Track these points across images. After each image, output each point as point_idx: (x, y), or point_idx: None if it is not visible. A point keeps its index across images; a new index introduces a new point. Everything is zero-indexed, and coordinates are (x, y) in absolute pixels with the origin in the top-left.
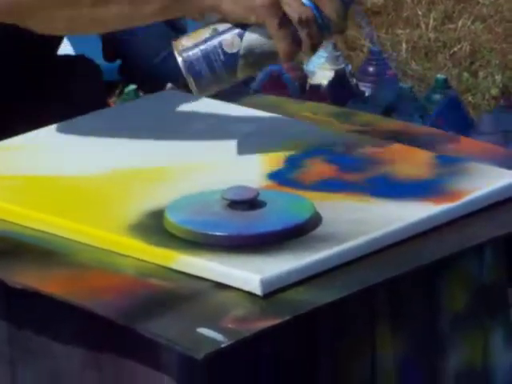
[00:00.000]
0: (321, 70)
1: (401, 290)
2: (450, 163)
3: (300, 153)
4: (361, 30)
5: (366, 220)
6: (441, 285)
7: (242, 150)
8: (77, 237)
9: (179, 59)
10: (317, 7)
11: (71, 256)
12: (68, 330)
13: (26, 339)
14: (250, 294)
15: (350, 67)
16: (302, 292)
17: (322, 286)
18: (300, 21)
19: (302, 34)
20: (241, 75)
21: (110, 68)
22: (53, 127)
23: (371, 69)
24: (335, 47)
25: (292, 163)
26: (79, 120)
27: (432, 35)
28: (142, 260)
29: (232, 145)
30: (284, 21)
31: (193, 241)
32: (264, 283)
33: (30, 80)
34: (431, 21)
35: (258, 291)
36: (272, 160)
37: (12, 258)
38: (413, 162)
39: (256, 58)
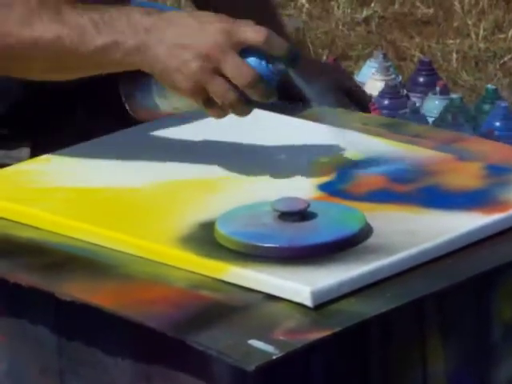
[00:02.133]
0: (371, 80)
1: (451, 301)
2: (500, 173)
3: (350, 163)
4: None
5: (417, 231)
6: (491, 295)
7: (292, 160)
8: (127, 249)
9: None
10: (265, 60)
11: (121, 268)
12: (117, 342)
13: (75, 350)
14: (300, 305)
15: (400, 78)
16: (353, 303)
17: (373, 296)
18: (223, 104)
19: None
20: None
21: None
22: (101, 139)
23: (421, 79)
24: (385, 58)
25: (342, 174)
26: (127, 132)
27: (482, 45)
28: (193, 272)
29: (282, 156)
30: (211, 100)
31: (243, 252)
32: (315, 295)
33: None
34: (481, 31)
35: (309, 303)
36: (322, 171)
37: (62, 270)
38: (463, 173)
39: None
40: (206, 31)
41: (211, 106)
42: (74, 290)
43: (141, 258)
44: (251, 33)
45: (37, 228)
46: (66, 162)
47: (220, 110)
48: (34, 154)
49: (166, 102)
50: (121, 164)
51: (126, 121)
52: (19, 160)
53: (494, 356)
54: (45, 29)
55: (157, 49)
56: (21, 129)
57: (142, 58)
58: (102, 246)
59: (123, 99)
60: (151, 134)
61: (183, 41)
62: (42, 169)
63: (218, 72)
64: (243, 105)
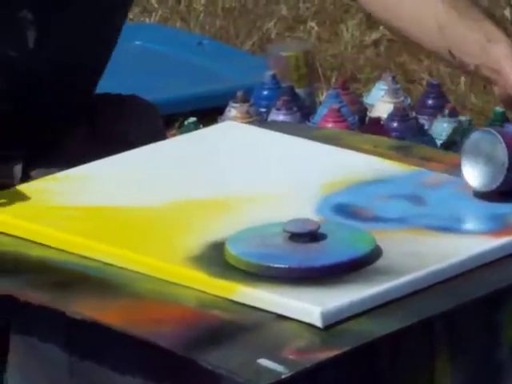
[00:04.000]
0: (380, 102)
1: (459, 322)
2: (509, 196)
3: (360, 185)
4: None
5: (426, 253)
6: (499, 316)
7: (303, 182)
8: (137, 267)
9: None
10: None
11: (131, 286)
12: (128, 361)
13: (86, 369)
14: (310, 325)
15: (408, 100)
16: (363, 322)
17: (382, 316)
18: None
19: None
20: None
21: (168, 101)
22: (113, 158)
23: (430, 102)
24: (394, 80)
25: (352, 196)
26: (139, 151)
27: None
28: (203, 291)
29: (292, 177)
30: None
31: (254, 273)
32: (324, 315)
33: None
34: None
35: (319, 323)
36: (332, 192)
37: (72, 289)
38: (472, 196)
39: None
40: None
41: None
42: (85, 308)
43: (150, 276)
44: None
45: (46, 246)
46: (77, 181)
47: None
48: (26, 171)
49: None
50: (131, 183)
51: (124, 144)
52: (11, 177)
53: (502, 376)
54: None
55: None
56: (13, 147)
57: None
58: (112, 265)
59: None
60: (162, 153)
61: None
62: (52, 187)
63: None
64: None
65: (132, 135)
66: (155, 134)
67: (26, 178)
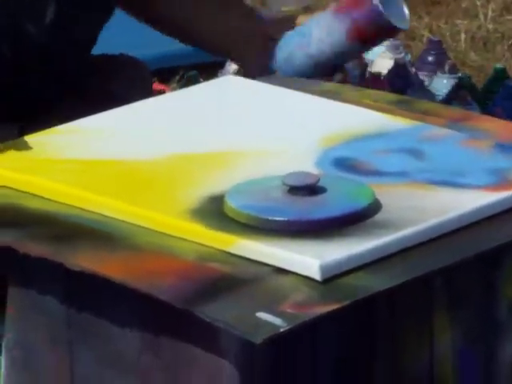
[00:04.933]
0: (380, 58)
1: (458, 278)
2: (509, 151)
3: (360, 139)
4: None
5: (425, 207)
6: (498, 272)
7: (302, 136)
8: (136, 220)
9: None
10: None
11: (130, 239)
12: (126, 313)
13: (84, 321)
14: (309, 278)
15: (409, 56)
16: (361, 277)
17: (381, 271)
18: None
19: None
20: None
21: (169, 54)
22: (112, 112)
23: (430, 58)
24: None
25: (352, 149)
26: (138, 105)
27: (491, 26)
28: (202, 244)
29: (292, 131)
30: None
31: (252, 226)
32: (323, 268)
33: (67, 82)
34: (490, 12)
35: (317, 276)
36: (332, 146)
37: (71, 241)
38: (472, 150)
39: None
40: None
41: None
42: (83, 260)
43: (149, 229)
44: None
45: (45, 198)
46: (76, 134)
47: None
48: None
49: None
50: (130, 137)
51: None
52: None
53: (500, 333)
54: None
55: None
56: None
57: None
58: (111, 217)
59: None
60: (161, 107)
61: None
62: (52, 140)
63: None
64: None
65: (123, 93)
66: (146, 91)
67: None
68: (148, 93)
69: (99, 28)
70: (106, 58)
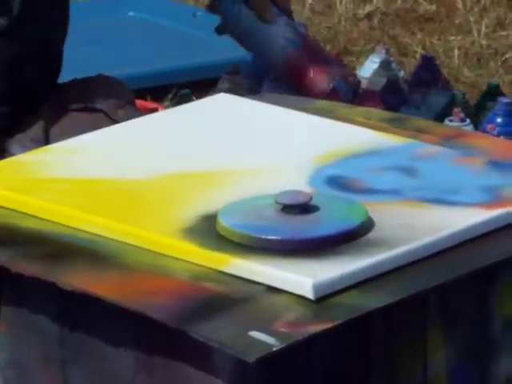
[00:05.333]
0: (373, 75)
1: (452, 296)
2: (501, 169)
3: (352, 157)
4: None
5: (418, 225)
6: (492, 290)
7: (295, 154)
8: (129, 239)
9: None
10: None
11: (123, 258)
12: (119, 333)
13: (77, 341)
14: (302, 297)
15: (402, 73)
16: (355, 296)
17: (375, 289)
18: None
19: None
20: None
21: (161, 72)
22: (105, 130)
23: (423, 75)
24: (388, 53)
25: (344, 168)
26: (131, 123)
27: (484, 42)
28: (195, 263)
29: (285, 149)
30: None
31: (245, 244)
32: (316, 287)
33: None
34: (483, 28)
35: (311, 295)
36: (324, 164)
37: (63, 260)
38: (465, 167)
39: None
40: None
41: None
42: (76, 279)
43: (143, 248)
44: None
45: (38, 218)
46: (69, 153)
47: None
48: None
49: None
50: (123, 155)
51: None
52: None
53: (495, 351)
54: None
55: None
56: None
57: None
58: (103, 236)
59: None
60: (154, 125)
61: None
62: (44, 159)
63: None
64: None
65: (99, 105)
66: (124, 104)
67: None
68: (129, 109)
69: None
70: (84, 78)
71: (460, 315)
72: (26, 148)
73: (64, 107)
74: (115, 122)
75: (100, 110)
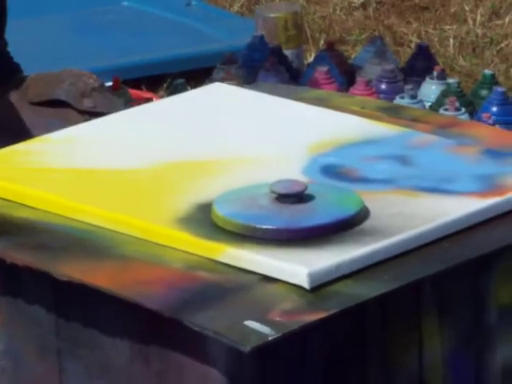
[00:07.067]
0: (368, 65)
1: (448, 284)
2: (497, 157)
3: (347, 146)
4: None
5: (413, 214)
6: (487, 279)
7: (290, 143)
8: (123, 229)
9: None
10: None
11: (118, 248)
12: (115, 323)
13: (73, 331)
14: (297, 286)
15: (397, 62)
16: (350, 285)
17: (370, 279)
18: None
19: None
20: None
21: (156, 61)
22: (100, 120)
23: (419, 64)
24: (383, 43)
25: (340, 156)
26: (126, 113)
27: (479, 31)
28: (190, 253)
29: (280, 138)
30: None
31: (240, 234)
32: (311, 276)
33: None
34: (478, 17)
35: (306, 284)
36: (319, 153)
37: (58, 250)
38: (460, 156)
39: None
40: None
41: None
42: (71, 269)
43: (138, 238)
44: None
45: (33, 208)
46: (63, 143)
47: None
48: None
49: None
50: (118, 145)
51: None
52: None
53: (490, 339)
54: None
55: None
56: None
57: None
58: (98, 226)
59: None
60: (149, 115)
61: None
62: (40, 149)
63: None
64: None
65: (64, 97)
66: (90, 93)
67: None
68: (97, 96)
69: None
70: (47, 73)
71: (455, 304)
72: None
73: (27, 101)
74: (82, 111)
75: (64, 102)
